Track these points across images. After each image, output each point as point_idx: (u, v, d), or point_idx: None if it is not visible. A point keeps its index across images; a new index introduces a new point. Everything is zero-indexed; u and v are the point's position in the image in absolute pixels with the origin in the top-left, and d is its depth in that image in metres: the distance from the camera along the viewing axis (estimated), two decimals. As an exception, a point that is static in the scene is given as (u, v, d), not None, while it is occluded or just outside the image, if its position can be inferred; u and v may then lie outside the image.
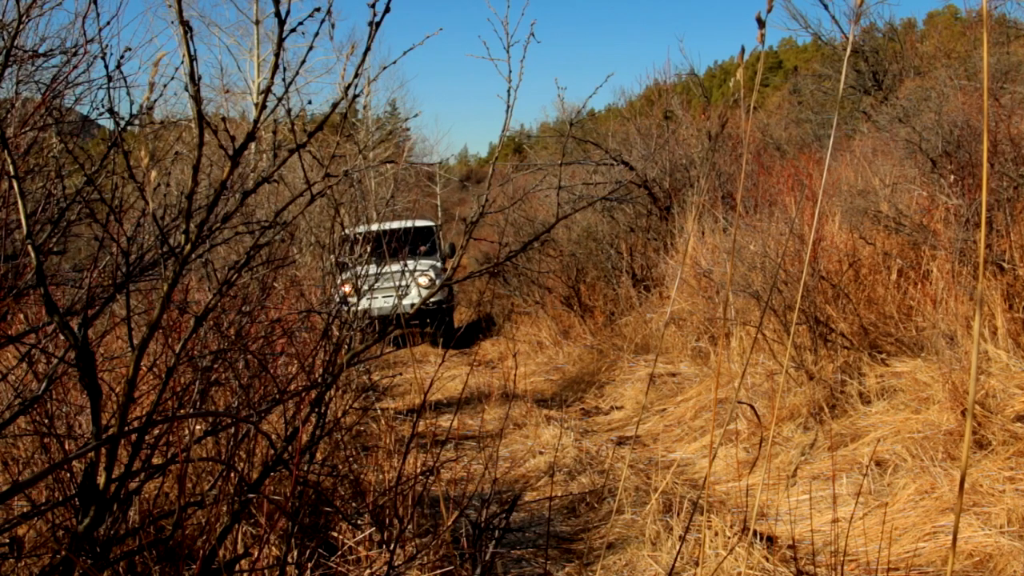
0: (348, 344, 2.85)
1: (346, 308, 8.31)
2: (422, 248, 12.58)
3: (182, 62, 1.86)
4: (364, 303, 9.00)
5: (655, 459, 5.60)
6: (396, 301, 8.45)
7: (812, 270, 6.15)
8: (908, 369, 5.49)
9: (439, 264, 12.37)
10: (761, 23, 1.57)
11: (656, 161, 10.10)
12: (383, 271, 9.00)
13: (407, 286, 10.31)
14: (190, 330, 2.15)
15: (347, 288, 9.31)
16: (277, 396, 2.57)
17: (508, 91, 2.43)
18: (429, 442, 5.29)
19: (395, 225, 11.77)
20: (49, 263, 3.40)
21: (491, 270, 3.10)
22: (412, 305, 10.41)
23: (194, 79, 1.84)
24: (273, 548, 2.68)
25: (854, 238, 6.63)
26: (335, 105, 2.09)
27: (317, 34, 1.94)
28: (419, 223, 13.39)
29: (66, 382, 2.85)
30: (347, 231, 8.98)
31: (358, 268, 9.05)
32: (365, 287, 9.40)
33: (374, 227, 10.34)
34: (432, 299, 10.77)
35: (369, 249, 8.12)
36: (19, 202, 1.96)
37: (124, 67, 2.10)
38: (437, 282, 10.24)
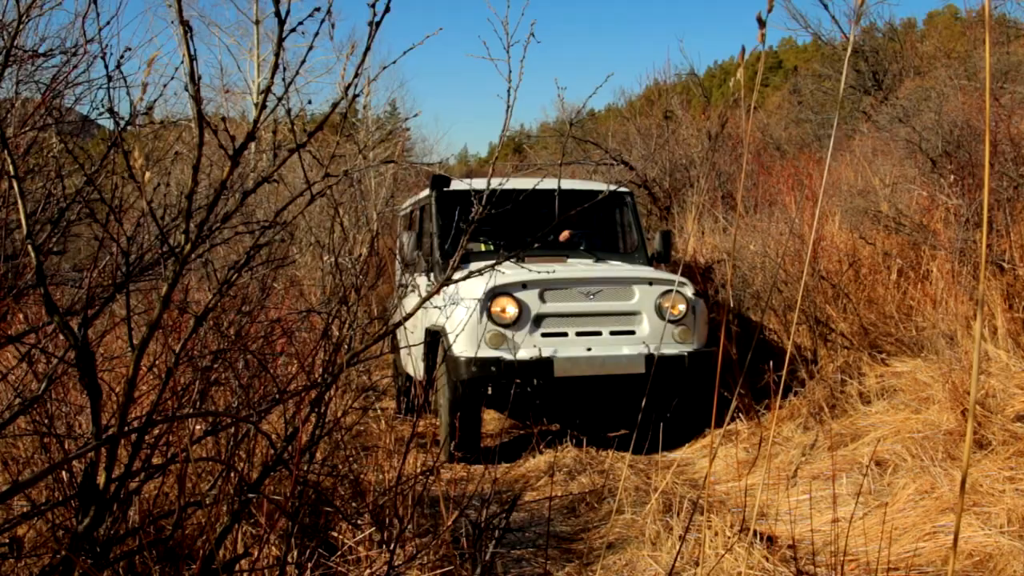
0: (348, 344, 2.84)
1: (499, 362, 4.85)
2: (562, 233, 6.15)
3: (182, 62, 1.86)
4: (533, 347, 4.96)
5: (655, 459, 5.60)
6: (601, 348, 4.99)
7: (812, 270, 6.15)
8: (908, 369, 5.49)
9: (654, 271, 5.94)
10: (762, 23, 1.57)
11: (656, 161, 10.10)
12: (575, 278, 5.22)
13: (632, 315, 5.33)
14: (190, 330, 2.15)
15: (508, 309, 5.03)
16: (277, 396, 2.57)
17: (508, 91, 2.43)
18: (429, 442, 5.28)
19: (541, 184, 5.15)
20: (49, 263, 3.40)
21: (489, 268, 2.96)
22: (649, 355, 5.09)
23: (194, 79, 1.84)
24: (273, 548, 2.68)
25: (854, 238, 6.63)
26: (335, 105, 2.09)
27: (317, 34, 1.94)
28: (598, 187, 6.84)
29: (66, 382, 2.85)
30: (455, 184, 5.55)
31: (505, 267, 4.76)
32: (541, 310, 5.02)
33: (510, 184, 4.66)
34: (680, 346, 5.39)
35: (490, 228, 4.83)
36: (19, 202, 1.96)
37: (124, 67, 2.11)
38: (697, 309, 5.49)
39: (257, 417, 2.44)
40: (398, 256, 5.33)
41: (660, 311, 5.34)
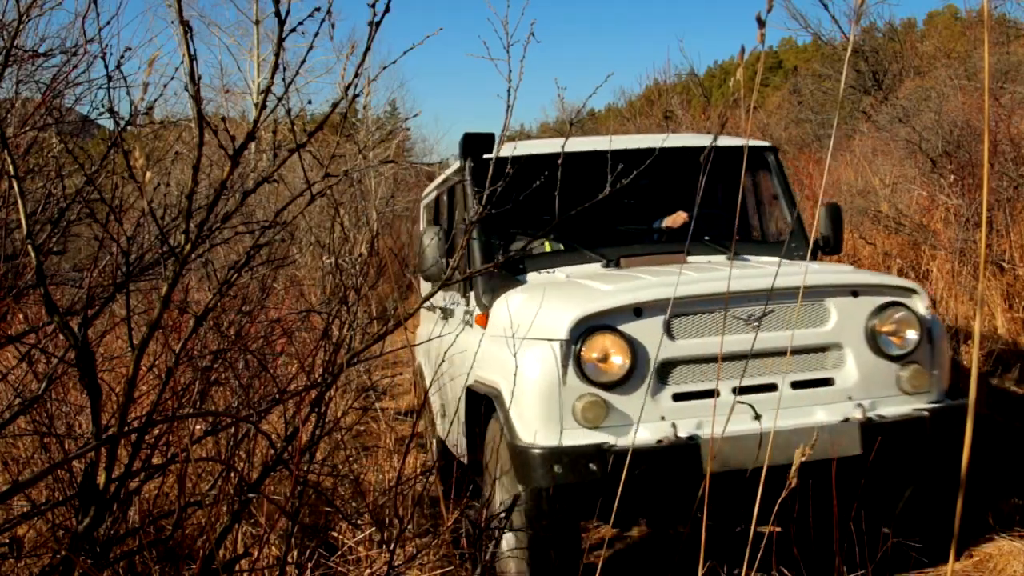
0: (348, 344, 2.84)
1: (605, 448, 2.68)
2: (674, 216, 4.08)
3: (182, 62, 1.86)
4: (660, 421, 2.87)
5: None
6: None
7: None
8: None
9: (854, 271, 3.73)
10: (761, 23, 1.57)
11: (656, 161, 10.11)
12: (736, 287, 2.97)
13: (827, 351, 3.08)
14: (190, 330, 2.15)
15: (613, 355, 2.91)
16: (277, 396, 2.57)
17: (508, 91, 2.42)
18: (429, 442, 5.29)
19: (636, 144, 3.93)
20: (49, 263, 3.40)
21: (490, 268, 2.70)
22: (867, 422, 2.91)
23: (194, 79, 1.84)
24: (273, 548, 2.68)
25: (854, 238, 6.63)
26: (335, 105, 2.09)
27: (317, 34, 1.94)
28: (722, 141, 3.82)
29: (66, 382, 2.85)
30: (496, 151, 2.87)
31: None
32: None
33: (580, 145, 3.67)
34: (913, 399, 3.03)
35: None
36: (19, 202, 1.96)
37: (124, 67, 2.11)
38: (935, 335, 3.17)
39: (257, 417, 2.44)
40: (416, 264, 3.54)
41: (875, 340, 3.12)
